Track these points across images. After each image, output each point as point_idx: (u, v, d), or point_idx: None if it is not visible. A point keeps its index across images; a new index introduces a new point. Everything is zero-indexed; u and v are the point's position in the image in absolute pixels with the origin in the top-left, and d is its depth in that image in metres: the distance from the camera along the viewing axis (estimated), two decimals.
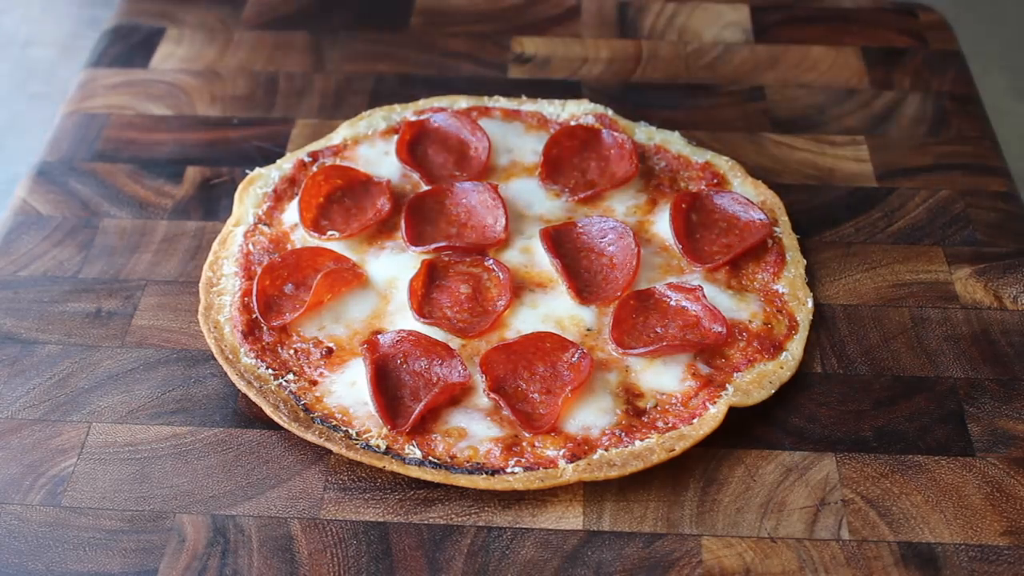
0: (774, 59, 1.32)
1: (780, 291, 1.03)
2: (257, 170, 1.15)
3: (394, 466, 0.89)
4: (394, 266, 1.05)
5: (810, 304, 1.02)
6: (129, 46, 1.35)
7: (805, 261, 1.07)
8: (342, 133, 1.20)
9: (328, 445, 0.91)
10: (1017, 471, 0.91)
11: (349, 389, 0.95)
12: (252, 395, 0.94)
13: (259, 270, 1.03)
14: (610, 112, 1.21)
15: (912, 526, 0.88)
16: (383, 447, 0.91)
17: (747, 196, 1.11)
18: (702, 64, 1.31)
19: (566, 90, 1.26)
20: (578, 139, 1.17)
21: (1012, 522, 0.88)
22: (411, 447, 0.91)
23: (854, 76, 1.30)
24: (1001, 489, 0.90)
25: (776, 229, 1.08)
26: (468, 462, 0.90)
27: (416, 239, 1.07)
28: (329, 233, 1.07)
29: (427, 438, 0.91)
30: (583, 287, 1.03)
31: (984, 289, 1.05)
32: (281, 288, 1.03)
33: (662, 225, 1.09)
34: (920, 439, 0.93)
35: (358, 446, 0.91)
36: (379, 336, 0.98)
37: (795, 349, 0.99)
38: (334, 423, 0.93)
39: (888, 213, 1.12)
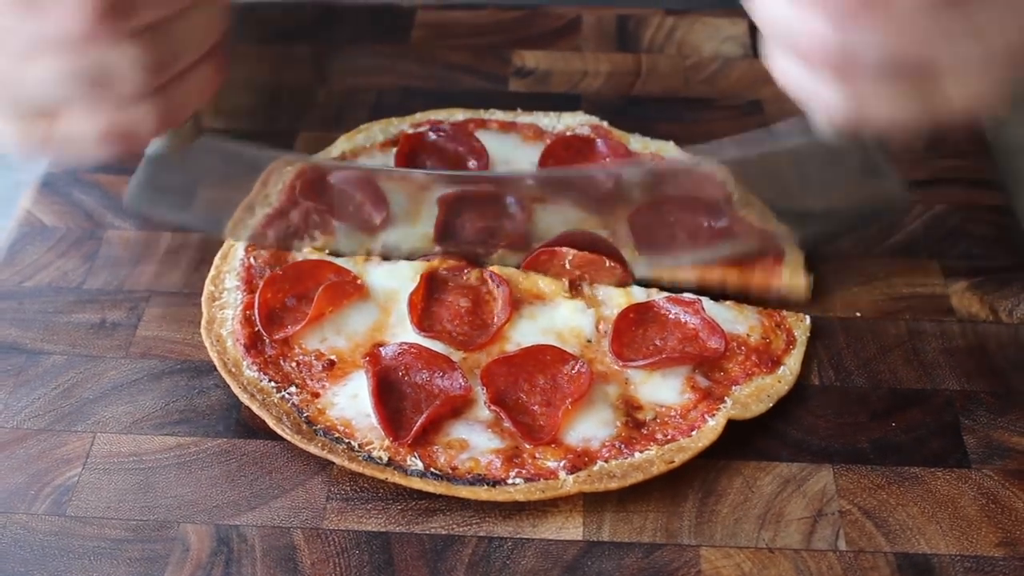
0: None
1: (779, 288, 1.05)
2: None
3: (396, 478, 0.90)
4: (394, 279, 1.06)
5: (807, 320, 1.03)
6: None
7: (803, 259, 1.07)
8: (340, 146, 1.20)
9: (331, 457, 0.91)
10: (1012, 483, 0.92)
11: (351, 401, 0.96)
12: (255, 408, 0.95)
13: (261, 283, 1.04)
14: (605, 124, 1.22)
15: (908, 537, 0.88)
16: (385, 459, 0.92)
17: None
18: (701, 78, 1.33)
19: (566, 103, 1.27)
20: (573, 149, 1.18)
21: (1007, 533, 0.89)
22: (413, 459, 0.91)
23: None
24: (996, 501, 0.91)
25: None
26: (470, 473, 0.91)
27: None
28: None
29: (429, 450, 0.92)
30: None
31: (980, 302, 1.06)
32: (283, 301, 1.04)
33: None
34: (916, 451, 0.94)
35: (360, 458, 0.92)
36: (380, 349, 0.98)
37: (793, 364, 1.00)
38: (336, 435, 0.93)
39: (885, 227, 1.13)
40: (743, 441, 0.95)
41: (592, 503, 0.91)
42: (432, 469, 0.91)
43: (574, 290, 1.05)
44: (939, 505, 0.91)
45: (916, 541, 0.88)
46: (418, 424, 0.92)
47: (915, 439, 0.95)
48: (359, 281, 1.05)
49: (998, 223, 1.14)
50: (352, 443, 0.93)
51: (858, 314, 1.05)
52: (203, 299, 1.05)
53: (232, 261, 1.08)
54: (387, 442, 0.92)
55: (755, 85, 1.31)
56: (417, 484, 0.90)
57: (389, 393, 0.96)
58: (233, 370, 0.98)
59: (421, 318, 1.02)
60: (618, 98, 1.30)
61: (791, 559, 0.87)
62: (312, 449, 0.92)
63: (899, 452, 0.94)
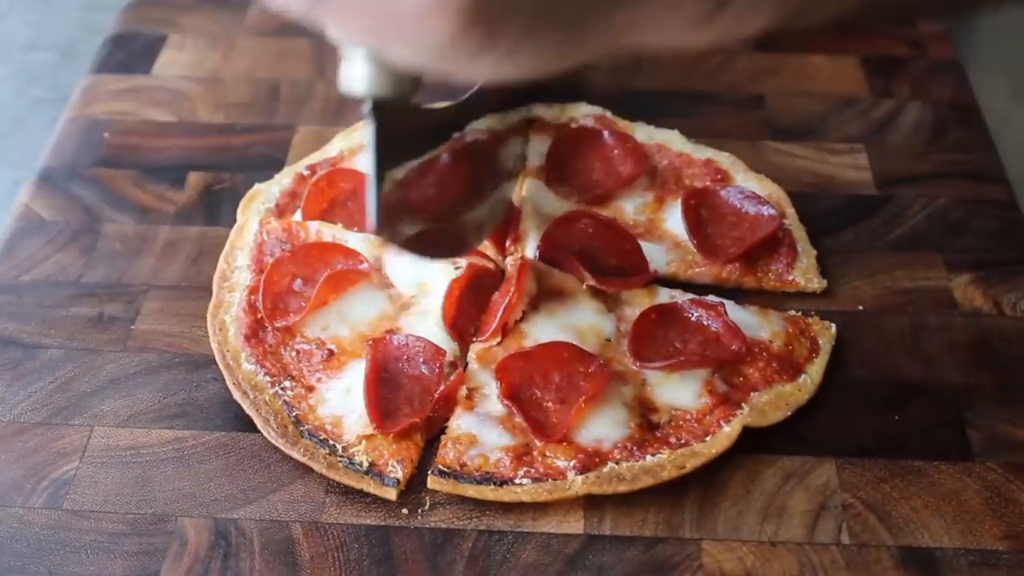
0: (774, 67, 1.32)
1: (795, 280, 1.05)
2: (256, 186, 1.14)
3: (372, 488, 0.89)
4: (413, 268, 1.03)
5: (833, 329, 1.01)
6: (131, 52, 1.35)
7: (816, 251, 1.07)
8: (338, 145, 1.19)
9: (311, 464, 0.91)
10: (1016, 476, 0.91)
11: (344, 397, 0.95)
12: (246, 406, 0.95)
13: (269, 263, 1.03)
14: (609, 113, 1.22)
15: (912, 531, 0.88)
16: (366, 465, 0.90)
17: (752, 190, 1.11)
18: (703, 72, 1.32)
19: (568, 98, 1.26)
20: (580, 141, 1.17)
21: (1011, 526, 0.88)
22: (393, 466, 0.90)
23: (854, 85, 1.30)
24: (1000, 494, 0.90)
25: (785, 221, 1.09)
26: (478, 471, 0.89)
27: None
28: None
29: (436, 445, 0.92)
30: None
31: (983, 296, 1.06)
32: (289, 285, 1.02)
33: (673, 222, 1.09)
34: (919, 444, 0.94)
35: (341, 465, 0.90)
36: (387, 335, 0.98)
37: (814, 373, 0.98)
38: (323, 436, 0.92)
39: (887, 220, 1.13)
40: (745, 435, 0.94)
41: (593, 496, 0.90)
42: (440, 466, 0.90)
43: (596, 290, 1.03)
44: (942, 499, 0.90)
45: (919, 535, 0.88)
46: (406, 422, 0.92)
47: (918, 433, 0.95)
48: (364, 265, 1.03)
49: (1001, 217, 1.13)
50: (336, 445, 0.92)
51: (861, 308, 1.05)
52: (215, 277, 1.04)
53: (246, 235, 1.07)
54: (369, 445, 0.91)
55: (757, 79, 1.31)
56: (429, 485, 0.90)
57: (384, 381, 0.95)
58: (231, 363, 0.97)
59: (455, 318, 1.00)
60: (620, 92, 1.29)
61: (794, 553, 0.86)
62: (295, 454, 0.91)
63: (902, 446, 0.94)
